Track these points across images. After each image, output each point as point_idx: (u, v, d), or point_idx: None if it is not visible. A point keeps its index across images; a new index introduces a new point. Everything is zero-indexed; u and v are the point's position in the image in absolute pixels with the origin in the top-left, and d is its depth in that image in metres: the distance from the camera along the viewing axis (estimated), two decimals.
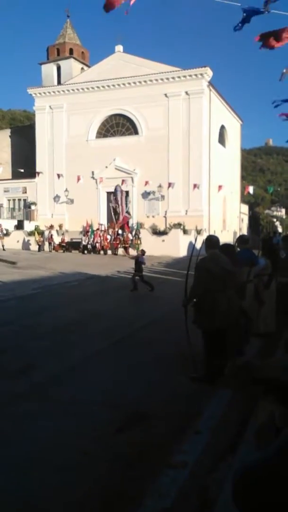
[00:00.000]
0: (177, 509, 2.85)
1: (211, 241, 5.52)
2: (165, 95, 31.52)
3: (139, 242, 27.07)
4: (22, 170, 33.77)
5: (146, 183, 31.39)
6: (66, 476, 3.22)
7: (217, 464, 3.38)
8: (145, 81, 31.97)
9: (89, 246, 28.96)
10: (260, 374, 2.27)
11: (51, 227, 31.33)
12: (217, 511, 2.75)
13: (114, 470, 3.31)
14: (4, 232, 29.46)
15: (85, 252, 28.66)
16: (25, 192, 36.18)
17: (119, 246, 28.22)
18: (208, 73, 31.00)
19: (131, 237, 28.20)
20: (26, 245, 30.38)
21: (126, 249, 27.69)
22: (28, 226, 32.61)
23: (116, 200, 32.01)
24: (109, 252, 28.54)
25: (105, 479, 3.18)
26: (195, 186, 30.45)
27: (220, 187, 31.71)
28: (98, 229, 29.94)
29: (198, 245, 6.21)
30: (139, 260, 12.70)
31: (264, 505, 1.17)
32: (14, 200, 37.03)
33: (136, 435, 3.87)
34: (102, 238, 29.10)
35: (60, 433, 3.90)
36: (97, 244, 28.87)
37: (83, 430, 3.95)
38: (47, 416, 4.25)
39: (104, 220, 32.94)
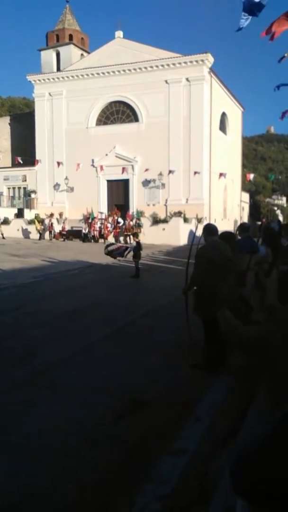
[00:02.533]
0: (177, 495, 2.86)
1: (210, 229, 5.51)
2: (166, 81, 31.20)
3: (139, 230, 26.94)
4: (20, 161, 33.47)
5: (146, 170, 31.24)
6: (66, 462, 3.24)
7: (217, 450, 3.39)
8: (145, 68, 31.62)
9: (89, 235, 28.94)
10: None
11: (51, 215, 31.24)
12: (217, 497, 2.77)
13: (114, 457, 3.32)
14: (1, 220, 29.38)
15: (86, 240, 28.62)
16: (25, 180, 36.03)
17: (118, 234, 28.12)
18: (209, 59, 30.64)
19: (132, 224, 28.06)
20: (26, 234, 30.35)
21: (129, 236, 27.54)
22: (28, 214, 32.53)
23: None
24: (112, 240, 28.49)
25: (105, 466, 3.19)
26: (195, 173, 30.30)
27: (220, 175, 31.56)
28: (96, 217, 29.83)
29: (198, 233, 6.19)
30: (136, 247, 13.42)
31: (263, 483, 1.15)
32: (14, 188, 36.89)
33: (137, 422, 3.88)
34: (103, 226, 29.03)
35: (60, 420, 3.92)
36: (96, 232, 28.78)
37: (84, 417, 3.96)
38: (48, 403, 4.27)
39: (104, 209, 32.84)
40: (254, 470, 1.15)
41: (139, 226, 27.45)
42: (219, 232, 5.93)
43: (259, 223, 30.72)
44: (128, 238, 26.86)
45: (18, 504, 2.79)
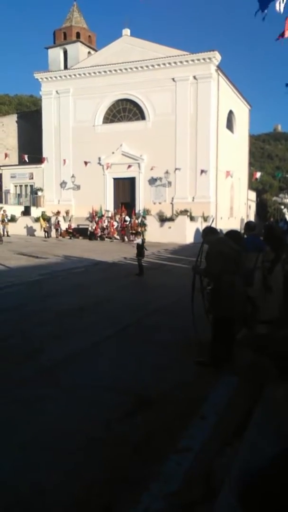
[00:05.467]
0: (182, 493, 2.87)
1: (212, 229, 5.68)
2: (173, 79, 31.14)
3: (144, 229, 26.77)
4: (27, 159, 33.44)
5: (153, 168, 31.21)
6: (73, 460, 3.25)
7: (222, 449, 3.39)
8: (152, 65, 31.58)
9: (96, 233, 28.98)
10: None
11: (58, 213, 31.29)
12: (222, 495, 2.77)
13: (120, 455, 3.33)
14: (8, 218, 29.44)
15: (92, 238, 28.67)
16: (32, 178, 36.12)
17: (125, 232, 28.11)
18: (217, 57, 30.54)
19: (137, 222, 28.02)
20: (31, 231, 30.45)
21: (134, 234, 27.55)
22: (35, 212, 32.62)
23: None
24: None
25: (111, 463, 3.21)
26: (202, 171, 30.23)
27: (227, 173, 31.46)
28: (103, 215, 29.84)
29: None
30: (139, 245, 13.42)
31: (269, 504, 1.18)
32: (21, 186, 37.00)
33: (142, 419, 3.89)
34: (109, 224, 29.05)
35: (67, 417, 3.94)
36: (100, 231, 28.80)
37: (90, 415, 3.98)
38: (54, 401, 4.29)
39: (110, 207, 32.86)
40: (259, 493, 1.19)
41: (143, 224, 27.43)
42: (225, 231, 5.96)
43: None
44: (133, 236, 26.86)
45: (26, 500, 2.81)
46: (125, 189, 33.88)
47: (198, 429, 3.74)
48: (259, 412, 3.96)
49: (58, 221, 30.21)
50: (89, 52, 37.23)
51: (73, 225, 30.66)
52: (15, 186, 37.02)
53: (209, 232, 5.55)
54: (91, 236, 28.78)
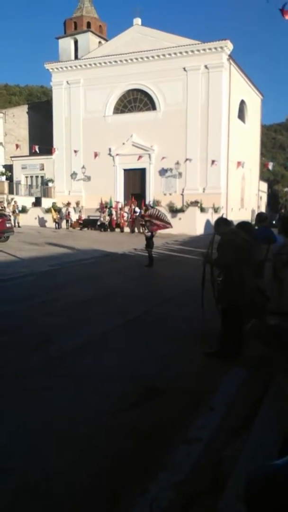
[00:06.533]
0: (190, 483, 2.88)
1: (226, 220, 5.68)
2: (184, 69, 30.85)
3: None
4: (37, 150, 33.40)
5: (163, 159, 31.04)
6: (81, 448, 3.28)
7: (231, 440, 3.40)
8: (163, 55, 31.28)
9: (106, 224, 29.00)
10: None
11: (68, 204, 31.34)
12: (230, 486, 2.78)
13: (129, 444, 3.35)
14: (20, 209, 29.57)
15: (102, 229, 28.69)
16: (43, 169, 36.18)
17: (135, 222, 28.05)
18: (228, 46, 30.14)
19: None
20: (42, 222, 30.56)
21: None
22: (46, 203, 32.71)
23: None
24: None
25: (120, 453, 3.23)
26: (213, 162, 30.00)
27: (238, 163, 31.19)
28: (114, 206, 29.79)
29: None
30: (149, 236, 13.38)
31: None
32: (31, 177, 37.11)
33: (151, 409, 3.90)
34: (119, 215, 29.03)
35: (75, 406, 3.96)
36: (113, 221, 28.80)
37: (99, 404, 4.00)
38: (63, 390, 4.32)
39: (121, 198, 32.81)
40: (267, 499, 1.19)
41: None
42: (236, 222, 5.93)
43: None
44: (143, 228, 26.80)
45: (33, 487, 2.85)
46: (135, 180, 33.78)
47: (207, 420, 3.74)
48: (267, 404, 3.95)
49: (69, 212, 30.28)
50: (99, 42, 36.98)
51: (84, 216, 30.70)
52: (26, 177, 37.13)
53: (222, 223, 5.52)
54: (101, 227, 28.80)
